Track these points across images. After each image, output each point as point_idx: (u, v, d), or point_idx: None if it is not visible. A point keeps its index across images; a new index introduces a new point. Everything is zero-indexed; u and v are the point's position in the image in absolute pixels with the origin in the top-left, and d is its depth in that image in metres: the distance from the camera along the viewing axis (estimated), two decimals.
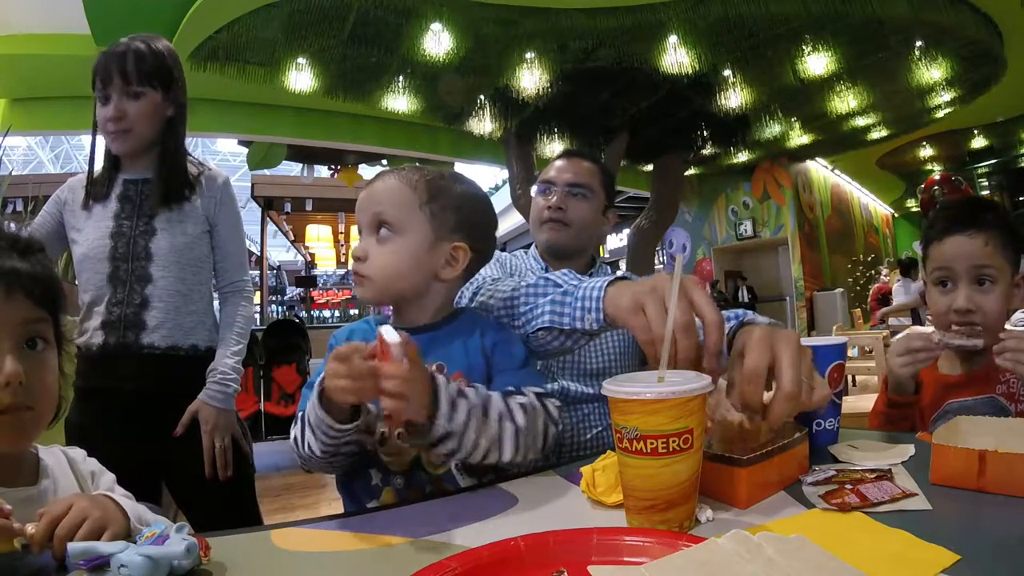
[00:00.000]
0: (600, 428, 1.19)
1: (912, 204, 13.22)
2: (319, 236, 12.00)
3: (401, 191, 0.84)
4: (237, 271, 1.39)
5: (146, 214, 1.30)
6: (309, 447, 0.74)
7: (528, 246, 1.45)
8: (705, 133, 7.28)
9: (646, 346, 0.67)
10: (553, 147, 6.91)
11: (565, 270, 0.90)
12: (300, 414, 0.78)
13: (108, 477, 0.81)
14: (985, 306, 1.02)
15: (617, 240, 14.85)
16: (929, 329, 1.05)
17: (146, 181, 1.33)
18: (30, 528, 0.57)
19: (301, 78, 5.47)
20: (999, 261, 1.03)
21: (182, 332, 1.29)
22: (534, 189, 1.37)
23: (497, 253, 1.32)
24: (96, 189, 1.32)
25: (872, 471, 0.69)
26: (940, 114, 7.64)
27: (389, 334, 0.65)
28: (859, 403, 2.75)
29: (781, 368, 0.62)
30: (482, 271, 1.18)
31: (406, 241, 0.83)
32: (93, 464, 0.81)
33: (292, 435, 0.78)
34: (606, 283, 0.77)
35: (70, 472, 0.77)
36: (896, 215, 14.80)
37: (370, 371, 0.64)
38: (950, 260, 1.04)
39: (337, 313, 10.73)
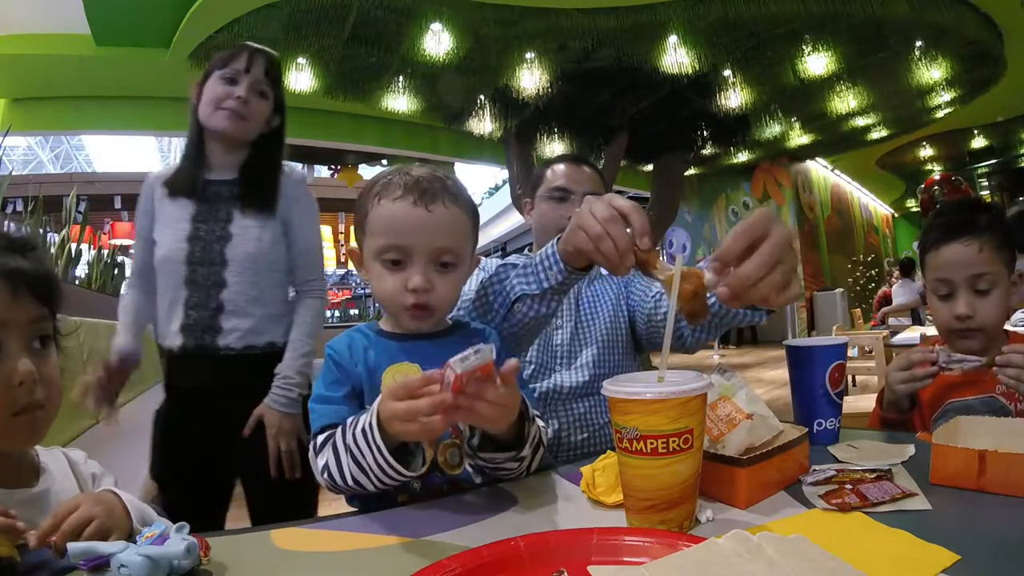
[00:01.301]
0: (594, 429, 1.19)
1: (912, 204, 13.23)
2: None
3: (463, 222, 0.83)
4: (310, 269, 1.38)
5: (222, 219, 1.30)
6: (356, 482, 0.69)
7: (521, 249, 1.43)
8: (705, 133, 7.27)
9: (593, 253, 0.74)
10: (553, 147, 6.90)
11: (516, 254, 0.94)
12: (326, 442, 0.73)
13: (109, 479, 0.81)
14: (985, 311, 1.02)
15: None
16: (930, 336, 1.05)
17: (224, 183, 1.33)
18: (32, 536, 0.57)
19: (301, 78, 5.47)
20: (995, 265, 1.03)
21: (256, 333, 1.30)
22: (543, 193, 1.34)
23: (484, 261, 1.31)
24: (180, 184, 1.33)
25: (872, 471, 0.69)
26: (940, 114, 7.65)
27: (482, 355, 0.60)
28: (859, 403, 2.74)
29: (766, 242, 0.63)
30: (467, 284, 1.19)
31: (464, 268, 0.84)
32: (94, 466, 0.81)
33: (321, 465, 0.73)
34: (557, 239, 0.85)
35: (71, 473, 0.77)
36: (896, 215, 14.81)
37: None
38: (947, 270, 1.05)
39: (337, 313, 10.73)
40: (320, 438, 0.75)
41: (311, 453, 0.76)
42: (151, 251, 1.34)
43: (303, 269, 1.37)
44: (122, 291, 1.37)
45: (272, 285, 1.34)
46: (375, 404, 0.67)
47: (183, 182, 1.32)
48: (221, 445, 1.28)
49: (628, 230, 0.72)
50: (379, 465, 0.66)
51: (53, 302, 0.71)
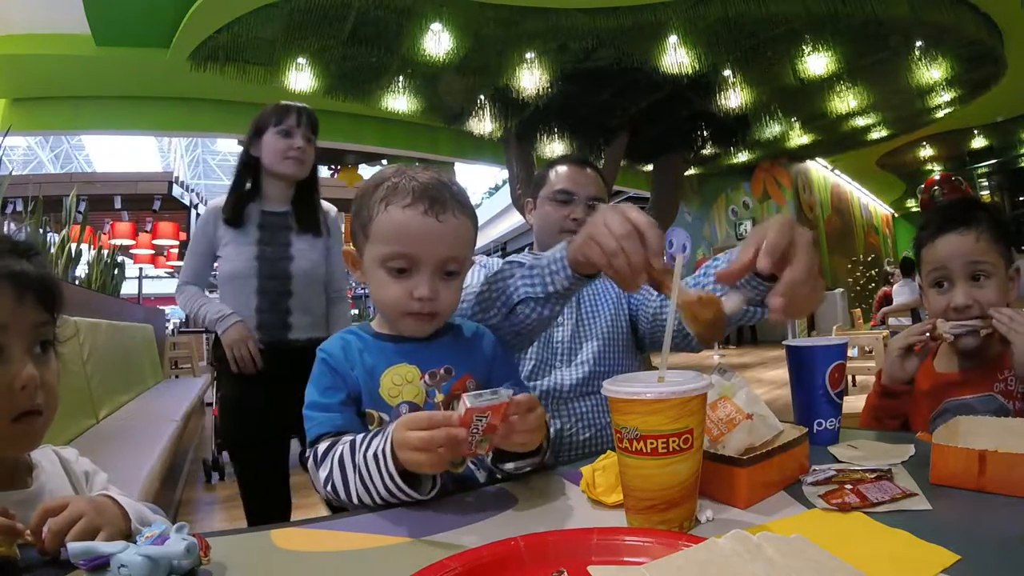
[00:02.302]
0: (597, 428, 1.19)
1: (912, 204, 13.23)
2: None
3: (468, 230, 0.82)
4: (341, 281, 1.82)
5: (283, 243, 1.69)
6: (360, 500, 0.69)
7: (521, 249, 1.43)
8: (705, 133, 7.28)
9: (606, 268, 0.73)
10: (553, 147, 6.91)
11: (525, 252, 0.95)
12: (327, 454, 0.72)
13: (102, 476, 0.81)
14: (983, 300, 1.01)
15: None
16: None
17: (280, 214, 1.71)
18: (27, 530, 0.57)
19: (301, 78, 5.47)
20: (992, 256, 1.02)
21: (315, 328, 1.70)
22: (546, 195, 1.33)
23: (486, 259, 1.31)
24: (241, 217, 1.67)
25: (872, 471, 0.69)
26: (940, 114, 7.65)
27: (499, 396, 0.64)
28: (859, 403, 2.72)
29: (798, 247, 0.68)
30: (470, 280, 1.19)
31: (463, 273, 0.84)
32: (86, 464, 0.81)
33: (323, 477, 0.72)
34: (566, 243, 0.83)
35: (63, 472, 0.76)
36: (896, 215, 14.81)
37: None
38: (944, 259, 1.04)
39: None
40: (320, 449, 0.74)
41: (310, 463, 0.75)
42: (209, 264, 1.73)
43: (336, 281, 1.81)
44: (181, 287, 1.75)
45: (320, 292, 1.75)
46: (389, 430, 0.66)
47: (243, 215, 1.68)
48: (282, 414, 1.54)
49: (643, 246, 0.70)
50: (388, 489, 0.66)
51: (55, 308, 0.70)
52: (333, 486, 0.71)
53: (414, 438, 0.63)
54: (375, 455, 0.66)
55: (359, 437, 0.71)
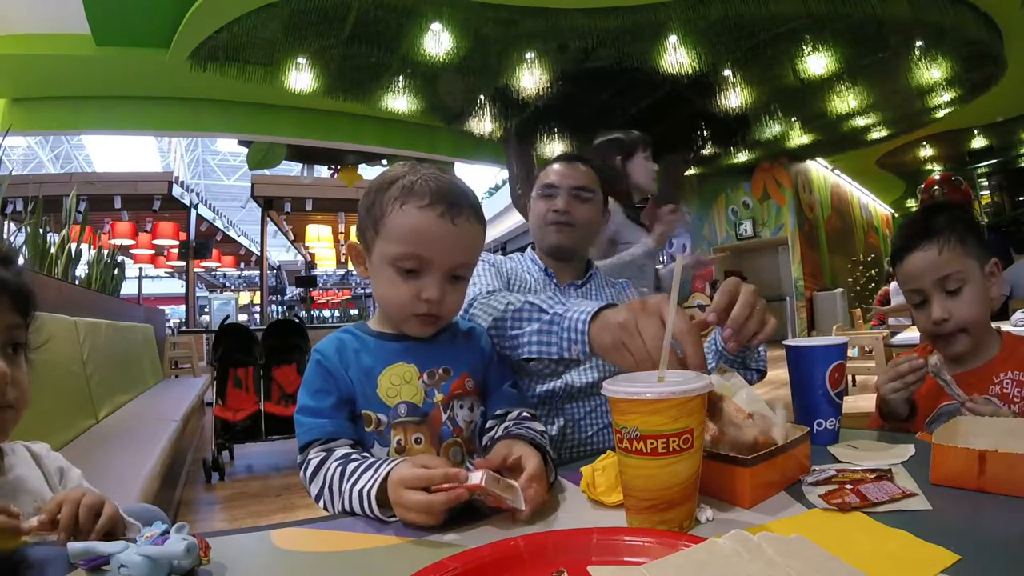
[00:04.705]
0: (601, 425, 1.19)
1: (912, 204, 13.22)
2: (319, 236, 12.01)
3: (480, 236, 0.83)
4: None
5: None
6: (353, 512, 0.69)
7: (525, 248, 1.45)
8: (705, 133, 7.28)
9: (635, 369, 0.70)
10: (553, 147, 6.91)
11: (550, 294, 0.93)
12: (318, 469, 0.72)
13: (76, 472, 0.82)
14: (959, 311, 1.01)
15: None
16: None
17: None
18: (35, 521, 0.58)
19: (301, 78, 5.48)
20: (961, 262, 1.01)
21: None
22: (535, 191, 1.37)
23: (492, 257, 1.32)
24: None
25: (872, 471, 0.69)
26: (940, 114, 7.65)
27: (511, 491, 0.63)
28: (859, 403, 2.74)
29: (741, 293, 0.80)
30: (477, 280, 1.19)
31: (469, 278, 0.84)
32: (60, 459, 0.83)
33: (315, 492, 0.72)
34: (590, 316, 0.79)
35: (34, 465, 0.78)
36: (896, 215, 14.81)
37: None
38: (915, 279, 1.05)
39: (337, 313, 10.71)
40: (312, 463, 0.73)
41: (302, 472, 0.75)
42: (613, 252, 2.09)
43: None
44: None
45: None
46: (381, 472, 0.65)
47: None
48: None
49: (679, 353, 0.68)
50: (371, 519, 0.67)
51: (29, 314, 0.73)
52: (324, 505, 0.71)
53: (413, 502, 0.62)
54: (360, 494, 0.66)
55: (351, 466, 0.69)
